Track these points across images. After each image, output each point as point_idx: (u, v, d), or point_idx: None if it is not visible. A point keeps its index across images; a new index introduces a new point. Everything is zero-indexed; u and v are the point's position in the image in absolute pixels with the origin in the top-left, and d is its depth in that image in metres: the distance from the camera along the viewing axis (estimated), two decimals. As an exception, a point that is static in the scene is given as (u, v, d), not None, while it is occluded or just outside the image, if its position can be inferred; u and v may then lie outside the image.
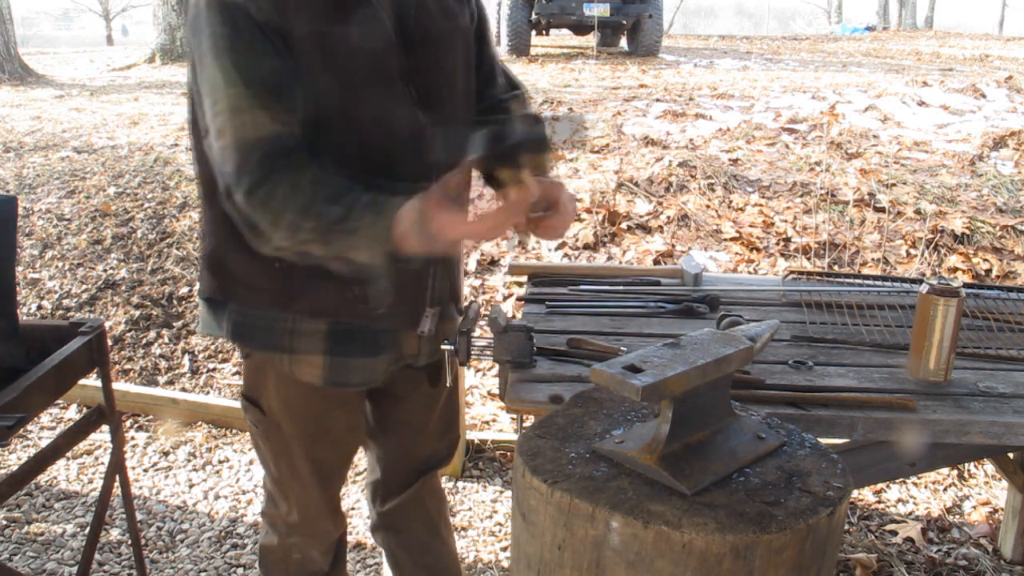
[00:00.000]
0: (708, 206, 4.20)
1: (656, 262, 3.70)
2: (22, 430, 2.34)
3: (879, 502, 2.63)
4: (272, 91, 1.17)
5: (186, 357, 3.40)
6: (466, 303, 1.55)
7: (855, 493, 2.61)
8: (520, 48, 10.56)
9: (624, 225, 3.98)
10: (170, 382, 3.30)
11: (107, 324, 3.49)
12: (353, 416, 1.55)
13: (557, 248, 3.81)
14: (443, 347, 1.49)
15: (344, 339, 1.39)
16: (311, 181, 1.17)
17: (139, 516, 2.50)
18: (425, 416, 1.65)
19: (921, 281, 1.72)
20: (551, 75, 8.51)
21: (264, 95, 1.17)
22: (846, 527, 2.47)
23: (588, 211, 4.04)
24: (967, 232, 3.87)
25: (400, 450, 1.68)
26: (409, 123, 1.30)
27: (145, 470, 2.81)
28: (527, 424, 1.82)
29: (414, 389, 1.59)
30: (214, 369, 3.34)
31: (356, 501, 2.62)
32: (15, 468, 1.80)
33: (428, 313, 1.42)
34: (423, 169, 1.25)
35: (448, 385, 1.59)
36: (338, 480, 1.61)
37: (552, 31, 12.67)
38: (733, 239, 3.91)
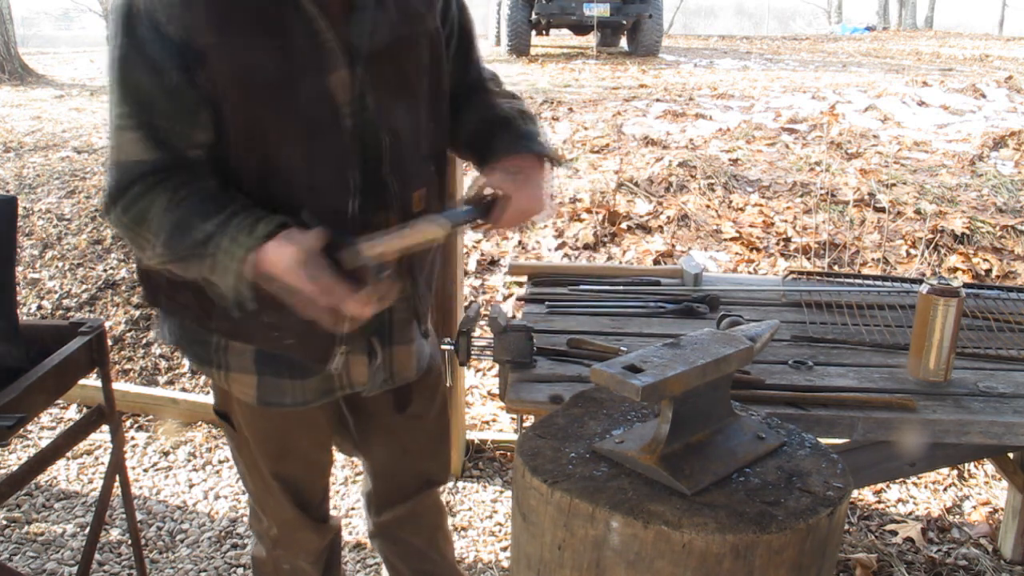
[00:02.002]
0: (708, 206, 4.20)
1: (656, 262, 3.70)
2: (22, 430, 2.34)
3: (879, 502, 2.63)
4: (162, 113, 1.13)
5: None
6: (466, 303, 1.55)
7: (855, 493, 2.61)
8: (520, 48, 10.55)
9: (624, 225, 3.98)
10: (170, 382, 3.30)
11: (107, 324, 3.49)
12: (319, 434, 1.51)
13: (557, 248, 3.81)
14: (443, 347, 1.49)
15: (273, 359, 1.33)
16: (178, 203, 1.13)
17: (139, 516, 2.50)
18: (406, 438, 1.59)
19: (921, 281, 1.72)
20: (551, 75, 8.50)
21: (149, 117, 1.13)
22: (846, 527, 2.47)
23: (588, 211, 4.04)
24: (967, 232, 3.87)
25: (385, 467, 1.64)
26: (332, 145, 1.21)
27: (145, 470, 2.81)
28: (527, 424, 1.82)
29: (387, 410, 1.52)
30: (214, 369, 3.34)
31: (356, 501, 2.62)
32: (15, 468, 1.80)
33: (341, 351, 1.33)
34: (341, 194, 1.22)
35: (437, 392, 1.56)
36: (314, 494, 1.58)
37: (552, 31, 12.66)
38: (733, 239, 3.91)
